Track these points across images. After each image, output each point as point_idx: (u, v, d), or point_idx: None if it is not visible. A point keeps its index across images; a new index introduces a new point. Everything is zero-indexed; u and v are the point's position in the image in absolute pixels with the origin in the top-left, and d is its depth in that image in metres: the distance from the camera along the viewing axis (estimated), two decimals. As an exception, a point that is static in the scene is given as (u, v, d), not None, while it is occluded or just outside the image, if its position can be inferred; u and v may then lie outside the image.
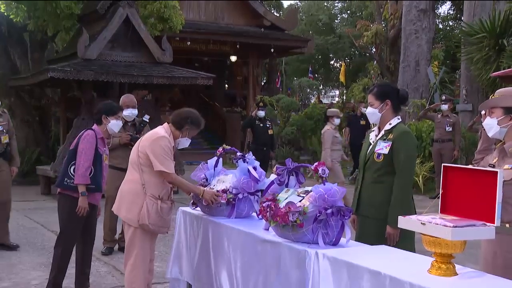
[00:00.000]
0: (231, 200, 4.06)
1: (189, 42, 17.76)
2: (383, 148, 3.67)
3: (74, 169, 4.63)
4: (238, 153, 4.31)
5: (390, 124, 3.73)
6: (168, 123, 4.13)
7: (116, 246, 6.50)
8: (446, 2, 27.43)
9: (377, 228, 3.68)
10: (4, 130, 6.35)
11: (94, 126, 4.78)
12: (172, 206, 4.12)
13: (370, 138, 3.87)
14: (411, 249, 3.55)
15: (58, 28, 12.60)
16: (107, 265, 5.91)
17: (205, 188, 4.05)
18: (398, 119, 3.75)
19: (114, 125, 4.81)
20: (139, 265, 4.07)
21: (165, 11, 12.63)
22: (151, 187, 3.98)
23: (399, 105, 3.79)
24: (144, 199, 3.96)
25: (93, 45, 10.49)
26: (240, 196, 4.07)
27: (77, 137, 4.78)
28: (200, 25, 18.12)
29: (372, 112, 3.77)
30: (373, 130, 3.89)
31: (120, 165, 6.05)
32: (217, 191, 4.09)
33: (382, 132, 3.74)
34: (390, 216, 3.60)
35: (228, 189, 4.08)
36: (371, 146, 3.79)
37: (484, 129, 3.32)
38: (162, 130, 4.07)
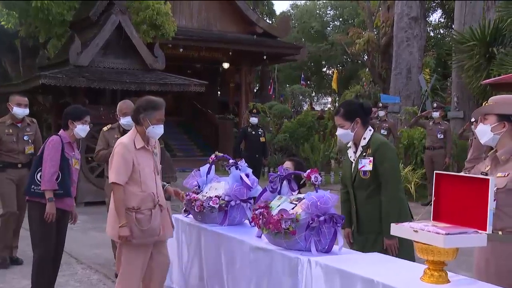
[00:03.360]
0: (224, 207, 4.05)
1: (182, 49, 17.76)
2: (366, 165, 3.64)
3: (41, 175, 4.55)
4: (231, 160, 4.30)
5: (365, 138, 3.69)
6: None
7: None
8: (437, 10, 27.60)
9: (381, 241, 3.67)
10: (30, 140, 6.14)
11: (61, 131, 4.70)
12: (153, 213, 3.79)
13: (349, 156, 3.81)
14: (412, 257, 3.52)
15: (49, 34, 12.59)
16: (98, 273, 5.86)
17: (124, 226, 3.71)
18: (370, 130, 3.72)
19: (80, 130, 4.67)
20: (126, 281, 3.82)
21: (157, 18, 12.64)
22: (127, 199, 3.77)
23: (367, 118, 3.75)
24: None
25: (85, 52, 10.47)
26: (232, 203, 4.07)
27: (44, 143, 4.70)
28: (192, 32, 18.13)
29: (344, 134, 3.72)
30: (349, 147, 3.83)
31: None
32: (209, 197, 4.07)
33: (360, 149, 3.71)
34: (384, 228, 3.58)
35: (220, 196, 4.08)
36: (353, 165, 3.75)
37: (475, 138, 3.32)
38: (125, 136, 3.95)
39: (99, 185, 10.18)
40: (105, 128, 5.90)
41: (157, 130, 3.88)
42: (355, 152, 3.75)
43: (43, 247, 4.64)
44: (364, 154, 3.67)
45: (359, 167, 3.68)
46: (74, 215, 4.91)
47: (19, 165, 6.09)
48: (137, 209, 3.75)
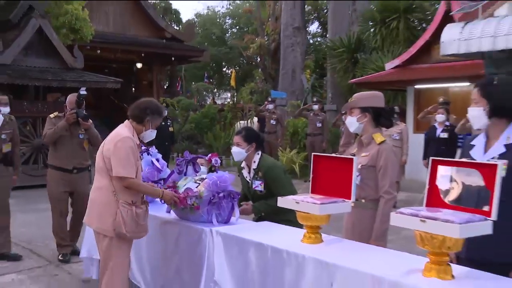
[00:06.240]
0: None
1: (99, 51, 16.94)
2: (259, 186, 3.67)
3: None
4: (143, 147, 4.20)
5: (255, 162, 3.71)
6: (128, 120, 3.41)
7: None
8: (314, 22, 28.55)
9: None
10: (8, 139, 5.16)
11: None
12: (147, 209, 3.28)
13: (244, 176, 3.80)
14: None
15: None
16: (24, 250, 5.48)
17: (164, 190, 3.33)
18: (258, 154, 3.72)
19: None
20: (117, 276, 3.22)
21: (76, 23, 11.89)
22: (123, 193, 3.16)
23: (260, 146, 3.77)
24: (117, 207, 3.13)
25: (7, 51, 9.66)
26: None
27: None
28: (108, 36, 17.33)
29: (239, 152, 3.68)
30: (243, 168, 3.82)
31: (62, 165, 5.05)
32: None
33: (252, 171, 3.73)
34: (258, 204, 3.66)
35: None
36: (249, 184, 3.76)
37: (345, 127, 3.47)
38: (125, 130, 3.32)
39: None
40: (51, 115, 5.18)
41: (152, 134, 3.42)
42: (249, 173, 3.77)
43: None
44: (256, 176, 3.69)
45: (253, 187, 3.70)
46: None
47: None
48: (135, 204, 3.19)
